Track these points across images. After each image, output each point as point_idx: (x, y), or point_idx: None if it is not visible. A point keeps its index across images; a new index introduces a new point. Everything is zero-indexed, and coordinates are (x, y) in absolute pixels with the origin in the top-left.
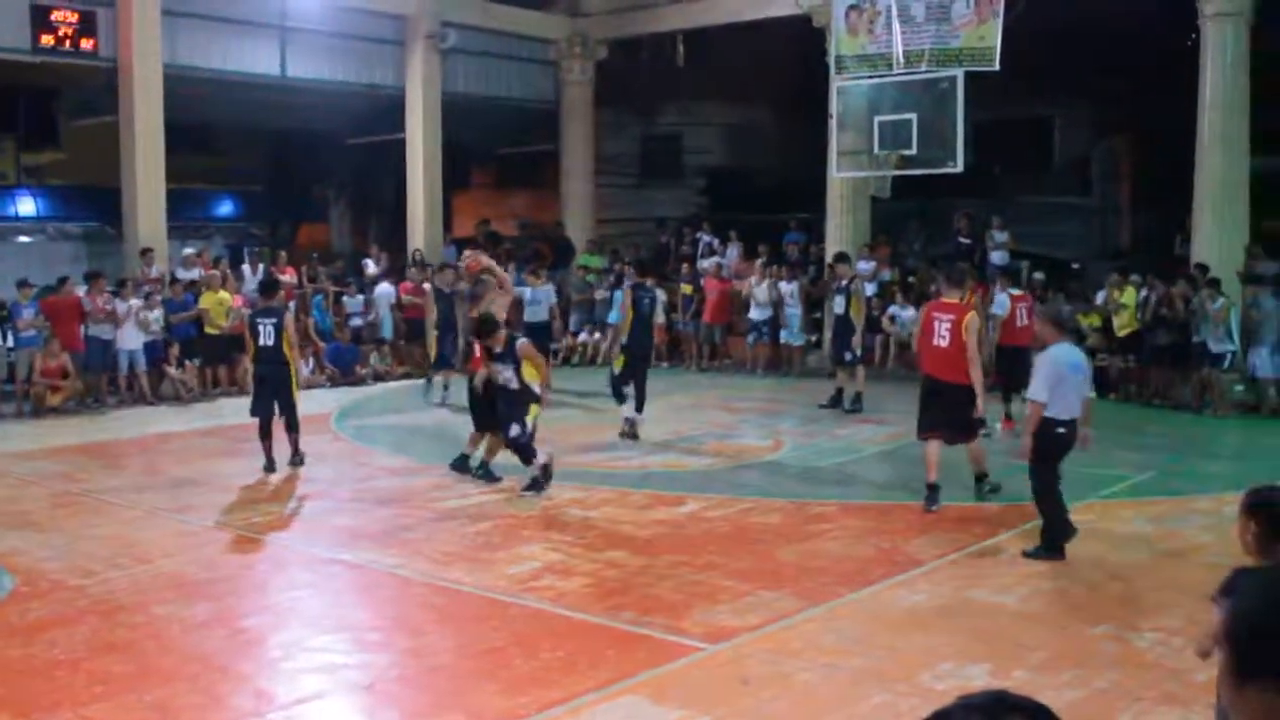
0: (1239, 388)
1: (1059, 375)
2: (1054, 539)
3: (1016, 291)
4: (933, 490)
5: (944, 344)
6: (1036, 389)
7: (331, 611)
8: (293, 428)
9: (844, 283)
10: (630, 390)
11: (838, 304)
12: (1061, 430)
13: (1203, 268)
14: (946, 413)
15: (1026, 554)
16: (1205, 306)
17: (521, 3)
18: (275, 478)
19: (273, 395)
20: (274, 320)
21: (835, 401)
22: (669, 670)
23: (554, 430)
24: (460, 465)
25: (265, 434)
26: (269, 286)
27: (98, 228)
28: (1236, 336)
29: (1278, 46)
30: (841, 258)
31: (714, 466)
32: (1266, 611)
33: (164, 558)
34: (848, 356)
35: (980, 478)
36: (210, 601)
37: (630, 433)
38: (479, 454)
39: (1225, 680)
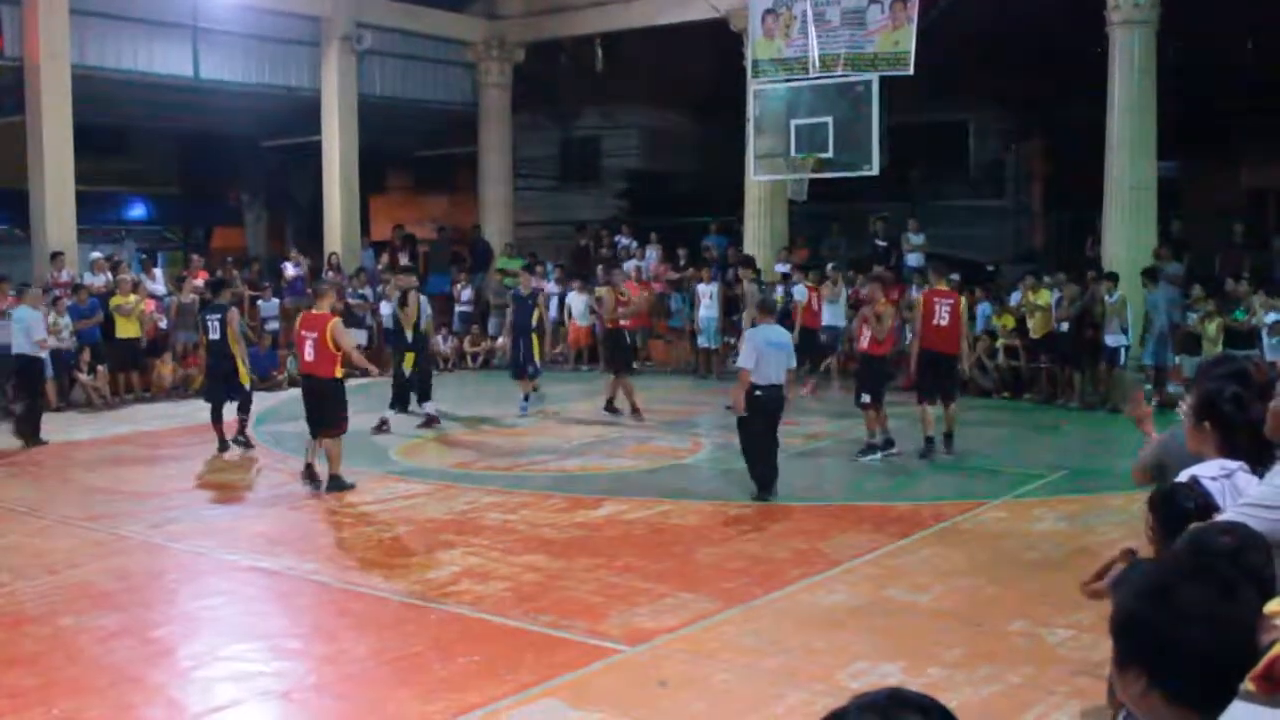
0: (1149, 386)
1: (760, 350)
2: (760, 481)
3: (811, 284)
4: (930, 442)
5: (944, 323)
6: (744, 359)
7: (246, 619)
8: (243, 409)
9: (740, 287)
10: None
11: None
12: (759, 393)
13: (1098, 265)
14: (944, 379)
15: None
16: (1104, 301)
17: (438, 5)
18: (191, 481)
19: (223, 383)
20: (218, 316)
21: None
22: (588, 673)
23: (473, 434)
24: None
25: (217, 418)
26: (218, 285)
27: (6, 231)
28: (1131, 331)
29: (1182, 54)
30: (745, 261)
31: (632, 469)
32: (1138, 608)
33: (72, 568)
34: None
35: (949, 437)
36: (121, 611)
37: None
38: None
39: (1113, 663)
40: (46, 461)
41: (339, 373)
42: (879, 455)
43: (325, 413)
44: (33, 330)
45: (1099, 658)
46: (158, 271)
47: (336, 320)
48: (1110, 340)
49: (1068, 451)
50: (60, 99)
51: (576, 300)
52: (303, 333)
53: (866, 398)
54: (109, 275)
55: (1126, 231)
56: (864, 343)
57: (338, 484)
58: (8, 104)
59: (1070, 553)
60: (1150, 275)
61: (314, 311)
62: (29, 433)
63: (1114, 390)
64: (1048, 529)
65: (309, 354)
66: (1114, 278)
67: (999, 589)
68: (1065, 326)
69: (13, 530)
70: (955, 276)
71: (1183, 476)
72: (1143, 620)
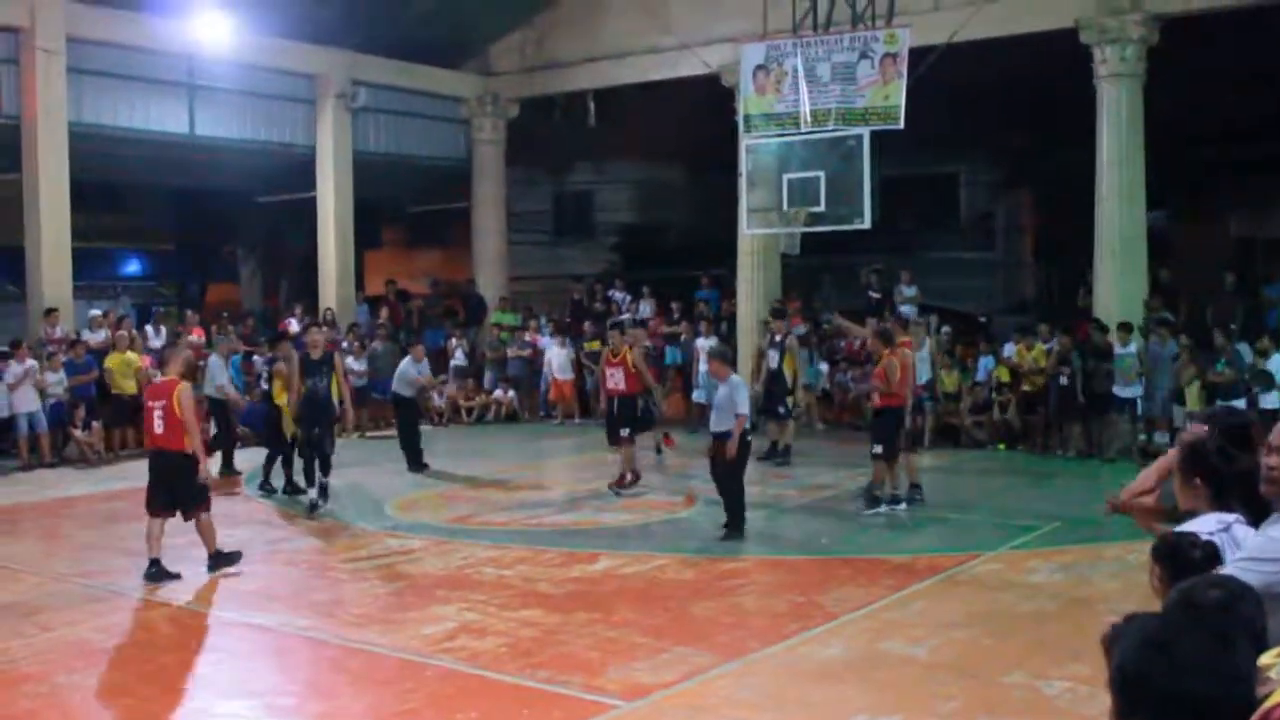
0: (1143, 436)
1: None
2: (739, 521)
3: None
4: (918, 489)
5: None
6: (744, 406)
7: (241, 677)
8: (278, 460)
9: (779, 337)
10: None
11: (772, 358)
12: (750, 438)
13: (1090, 315)
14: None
15: (721, 537)
16: (1115, 352)
17: (432, 61)
18: (186, 538)
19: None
20: (269, 368)
21: (771, 453)
22: None
23: (469, 489)
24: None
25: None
26: (276, 338)
27: (1, 287)
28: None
29: (1168, 106)
30: (777, 312)
31: (628, 523)
32: (1139, 660)
33: (67, 625)
34: (781, 410)
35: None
36: (115, 670)
37: (315, 511)
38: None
39: (1113, 718)
40: (41, 518)
41: (190, 445)
42: (883, 508)
43: (181, 490)
44: (214, 376)
45: (1096, 710)
46: (149, 329)
47: (185, 386)
48: (1121, 392)
49: (1063, 502)
50: (57, 156)
51: (557, 354)
52: (150, 402)
53: (879, 448)
54: (107, 332)
55: (1117, 281)
56: (875, 397)
57: (221, 560)
58: (5, 162)
59: (1066, 604)
60: (1163, 325)
61: (161, 378)
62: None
63: (1114, 441)
64: (1043, 580)
65: (157, 425)
66: (1128, 328)
67: (995, 641)
68: (1065, 380)
69: (7, 587)
70: (947, 329)
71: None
72: (1145, 674)
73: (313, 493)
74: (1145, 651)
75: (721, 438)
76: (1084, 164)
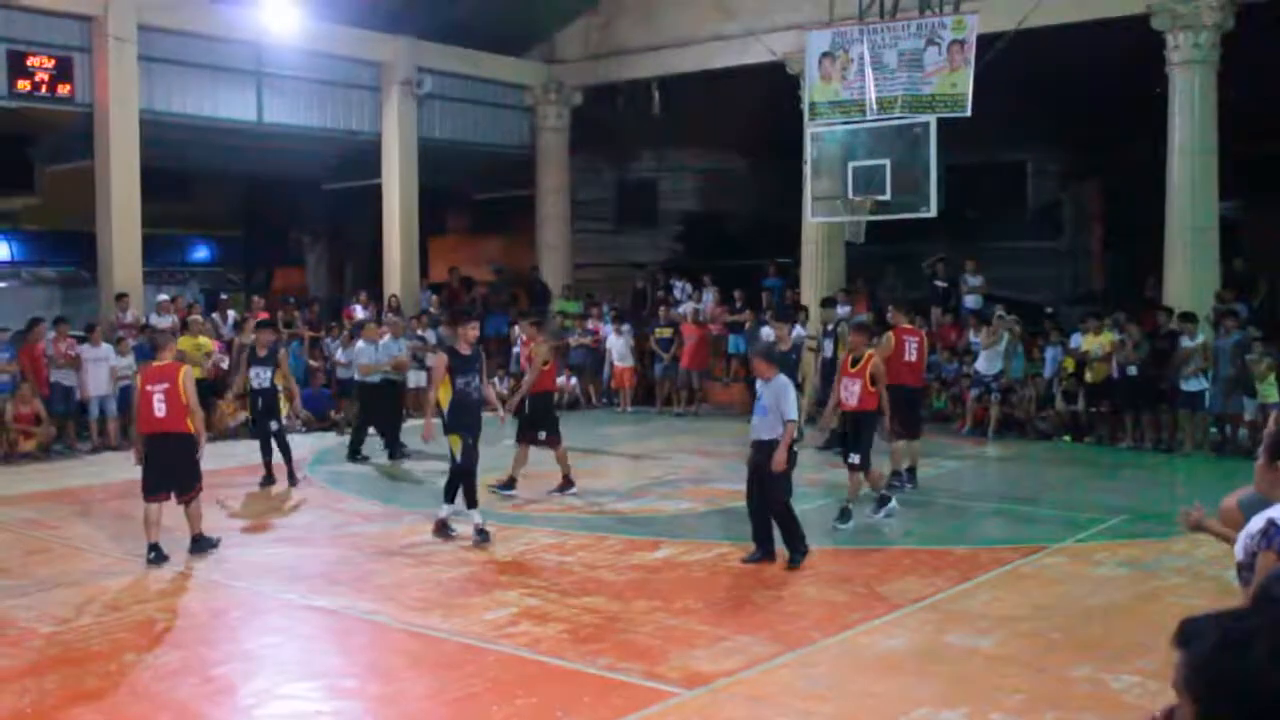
0: (1214, 429)
1: (795, 401)
2: (800, 545)
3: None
4: (899, 476)
5: (913, 359)
6: (794, 411)
7: (305, 658)
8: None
9: (830, 326)
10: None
11: (826, 347)
12: (796, 448)
13: (1159, 306)
14: (914, 413)
15: (789, 567)
16: (1181, 344)
17: (497, 49)
18: (251, 520)
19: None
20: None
21: (830, 443)
22: (645, 716)
23: (528, 476)
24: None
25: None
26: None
27: (73, 272)
28: (1209, 374)
29: (1243, 94)
30: (827, 302)
31: (690, 511)
32: (1218, 659)
33: (136, 605)
34: None
35: (912, 471)
36: (182, 649)
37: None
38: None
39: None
40: (111, 499)
41: (191, 427)
42: (893, 504)
43: (181, 473)
44: (369, 356)
45: (1165, 705)
46: (215, 316)
47: (189, 369)
48: (1188, 385)
49: (1129, 495)
50: (128, 144)
51: (616, 343)
52: (148, 387)
53: (856, 458)
54: (174, 317)
55: (1188, 273)
56: (853, 400)
57: (204, 544)
58: (78, 149)
59: (1133, 598)
60: (1229, 316)
61: (157, 363)
62: (393, 448)
63: (1184, 435)
64: (1109, 574)
65: (159, 409)
66: (1194, 319)
67: (1061, 634)
68: (1134, 370)
69: (77, 568)
70: (1012, 316)
71: (1259, 519)
72: (1226, 674)
73: (476, 517)
74: (1224, 651)
75: (764, 446)
76: (1154, 153)
